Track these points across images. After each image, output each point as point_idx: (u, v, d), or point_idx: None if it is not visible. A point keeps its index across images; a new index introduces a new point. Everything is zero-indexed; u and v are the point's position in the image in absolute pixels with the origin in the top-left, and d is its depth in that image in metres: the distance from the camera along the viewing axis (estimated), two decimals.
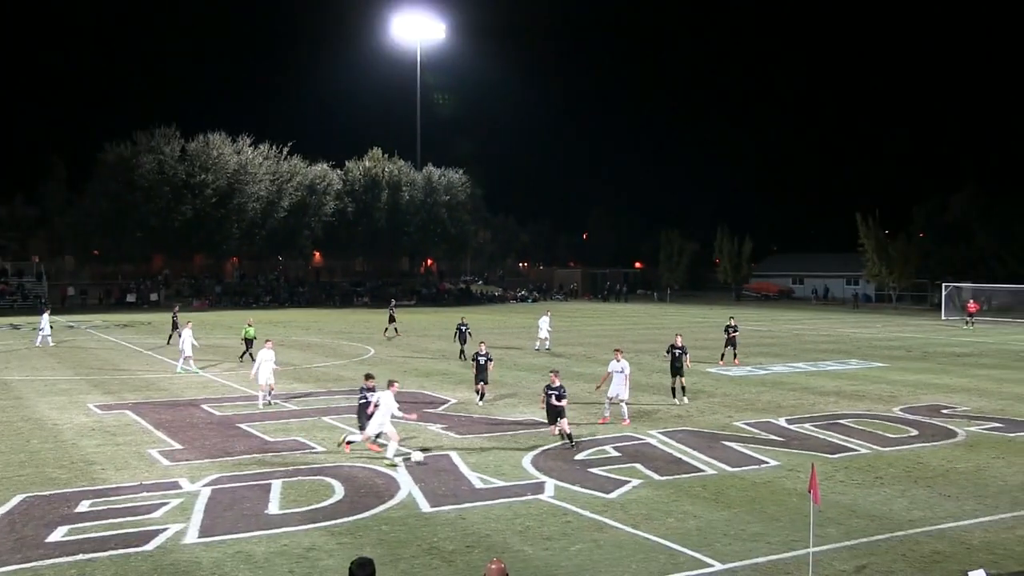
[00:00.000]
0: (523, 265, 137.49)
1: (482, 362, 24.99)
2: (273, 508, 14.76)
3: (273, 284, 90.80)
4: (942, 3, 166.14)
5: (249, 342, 35.46)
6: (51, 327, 43.78)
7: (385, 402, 18.30)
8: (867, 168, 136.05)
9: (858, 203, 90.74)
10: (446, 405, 25.33)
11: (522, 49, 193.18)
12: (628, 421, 22.38)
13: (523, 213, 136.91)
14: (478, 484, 16.40)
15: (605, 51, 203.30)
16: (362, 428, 19.08)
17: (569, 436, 19.33)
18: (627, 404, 22.72)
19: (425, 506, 14.93)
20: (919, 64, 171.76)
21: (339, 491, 15.75)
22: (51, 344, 42.21)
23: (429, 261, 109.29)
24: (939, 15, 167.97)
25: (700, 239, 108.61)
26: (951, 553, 12.78)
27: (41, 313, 46.15)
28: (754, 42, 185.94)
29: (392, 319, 48.51)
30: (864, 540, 13.30)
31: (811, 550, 11.73)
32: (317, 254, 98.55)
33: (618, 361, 22.69)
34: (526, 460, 18.21)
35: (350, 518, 14.19)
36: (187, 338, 33.23)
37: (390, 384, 18.88)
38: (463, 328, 36.96)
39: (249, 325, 36.35)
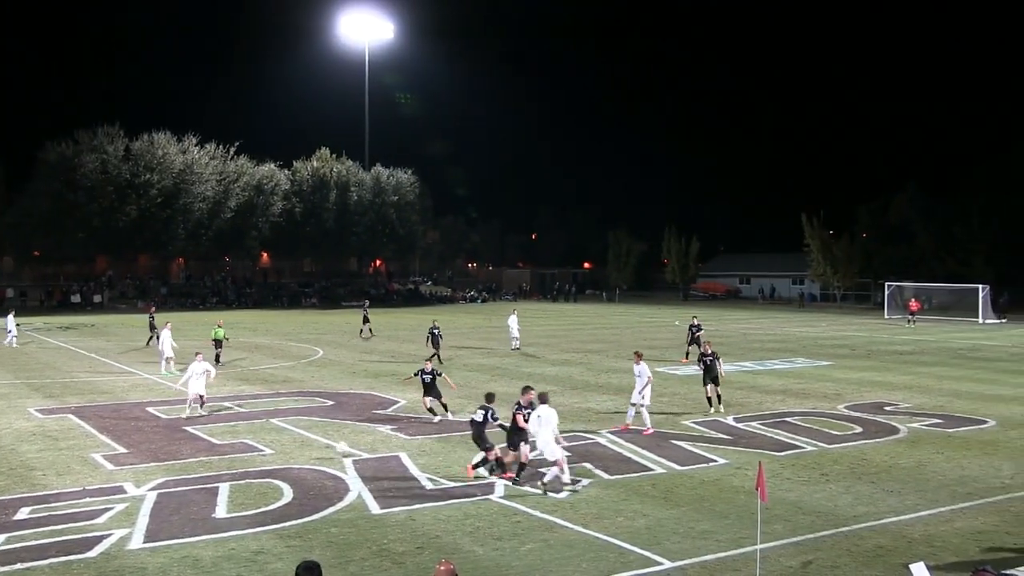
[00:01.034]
0: (472, 265, 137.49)
1: (427, 380, 22.42)
2: (221, 512, 14.59)
3: (220, 285, 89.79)
4: (884, 6, 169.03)
5: (219, 343, 35.12)
6: (12, 328, 42.98)
7: (547, 418, 16.08)
8: (812, 169, 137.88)
9: (803, 204, 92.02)
10: (396, 406, 25.23)
11: (471, 49, 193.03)
12: (651, 429, 21.31)
13: (472, 213, 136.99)
14: (428, 485, 16.36)
15: (554, 51, 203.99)
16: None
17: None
18: (644, 407, 21.70)
19: (375, 508, 14.85)
20: (862, 65, 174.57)
21: (288, 493, 15.61)
22: (16, 346, 41.56)
23: (378, 262, 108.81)
24: (882, 18, 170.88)
25: (648, 239, 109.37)
26: (893, 547, 13.01)
27: (5, 315, 45.25)
28: (701, 42, 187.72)
29: (366, 319, 48.60)
30: (810, 536, 13.48)
31: (759, 547, 11.86)
32: (265, 255, 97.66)
33: (637, 364, 22.19)
34: (476, 460, 18.15)
35: (299, 521, 14.07)
36: (166, 339, 32.57)
37: (540, 397, 16.63)
38: (435, 331, 36.36)
39: (219, 326, 35.86)
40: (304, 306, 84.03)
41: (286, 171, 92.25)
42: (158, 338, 41.64)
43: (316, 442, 20.06)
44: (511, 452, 16.95)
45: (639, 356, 22.73)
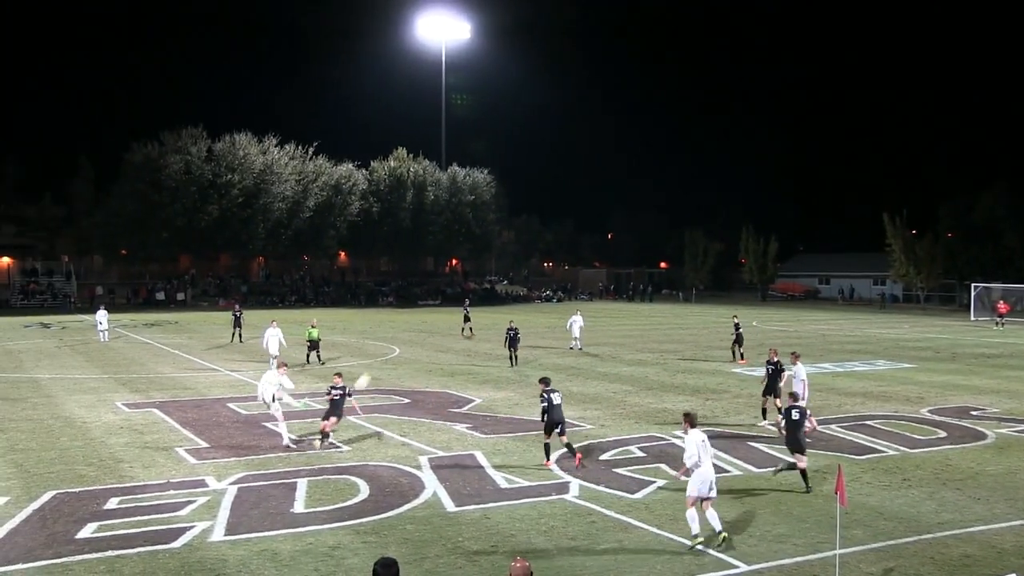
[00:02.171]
0: (547, 265, 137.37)
1: (336, 396, 19.39)
2: (298, 507, 14.83)
3: (298, 284, 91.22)
4: (973, 3, 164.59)
5: (314, 343, 34.86)
6: (104, 323, 44.31)
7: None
8: (894, 167, 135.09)
9: (885, 202, 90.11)
10: (471, 405, 25.35)
11: (546, 48, 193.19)
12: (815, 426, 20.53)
13: (546, 213, 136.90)
14: (503, 484, 16.41)
15: (629, 49, 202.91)
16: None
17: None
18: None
19: (450, 505, 14.95)
20: (945, 60, 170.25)
21: (364, 490, 15.80)
22: (107, 340, 42.92)
23: (454, 261, 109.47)
24: (966, 10, 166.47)
25: (725, 239, 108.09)
26: (981, 557, 12.65)
27: (96, 311, 46.54)
28: (779, 39, 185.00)
29: (467, 318, 49.01)
30: (891, 542, 13.20)
31: (837, 552, 11.66)
32: (342, 254, 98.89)
33: (794, 365, 21.58)
34: (551, 460, 18.18)
35: (375, 517, 14.23)
36: (274, 337, 32.41)
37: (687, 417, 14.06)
38: (512, 332, 35.07)
39: (313, 326, 35.35)
40: (380, 305, 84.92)
41: (363, 171, 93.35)
42: (240, 336, 42.52)
43: (392, 440, 20.26)
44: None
45: (795, 357, 22.11)
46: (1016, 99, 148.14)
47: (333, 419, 19.23)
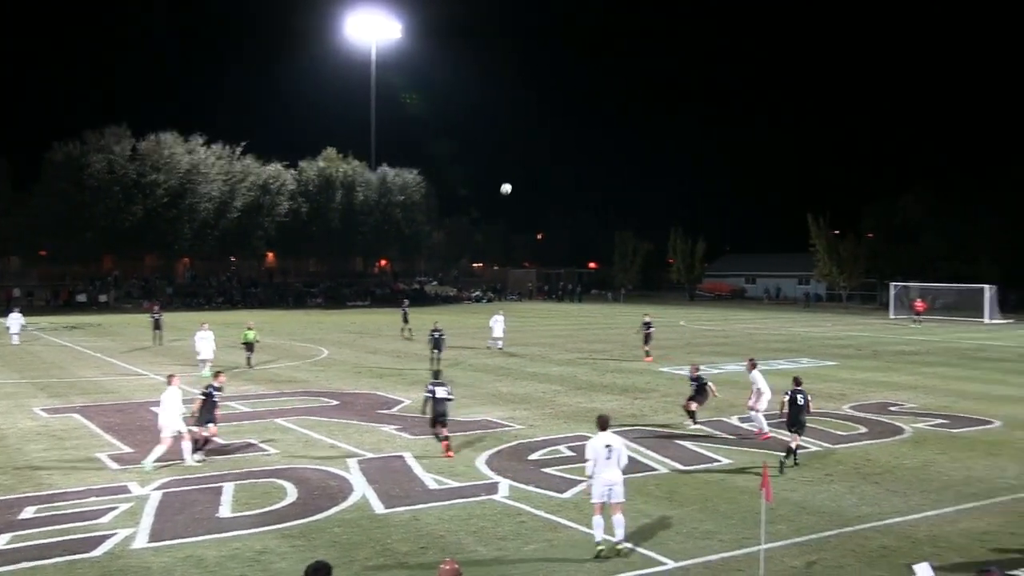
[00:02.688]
0: (478, 265, 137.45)
1: (212, 398, 18.74)
2: (225, 511, 14.62)
3: (225, 285, 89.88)
4: (893, 5, 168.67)
5: (249, 345, 33.96)
6: (16, 326, 43.10)
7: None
8: (818, 169, 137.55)
9: (809, 204, 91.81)
10: (400, 406, 25.24)
11: (478, 49, 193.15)
12: (767, 434, 20.58)
13: (478, 213, 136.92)
14: (432, 485, 16.37)
15: (561, 51, 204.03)
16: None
17: None
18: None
19: (379, 507, 14.87)
20: (869, 65, 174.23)
21: (292, 493, 15.64)
22: (16, 343, 41.84)
23: (383, 261, 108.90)
24: (890, 17, 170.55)
25: (654, 239, 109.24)
26: (898, 547, 13.00)
27: (7, 313, 45.25)
28: (707, 42, 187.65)
29: (406, 319, 48.67)
30: (814, 536, 13.48)
31: (762, 547, 11.86)
32: (270, 254, 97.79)
33: (751, 372, 21.56)
34: (480, 460, 18.22)
35: (303, 520, 14.09)
36: (206, 340, 31.60)
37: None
38: (436, 334, 34.54)
39: (249, 328, 34.46)
40: (309, 306, 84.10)
41: (292, 171, 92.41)
42: (161, 338, 41.81)
43: (320, 442, 20.09)
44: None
45: (752, 364, 22.01)
46: (937, 103, 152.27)
47: (212, 426, 18.40)
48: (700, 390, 22.33)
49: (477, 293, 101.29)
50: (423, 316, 62.18)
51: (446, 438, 18.93)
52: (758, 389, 20.98)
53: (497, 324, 41.08)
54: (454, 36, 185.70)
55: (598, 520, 12.63)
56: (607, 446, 12.81)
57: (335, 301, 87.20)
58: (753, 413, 21.07)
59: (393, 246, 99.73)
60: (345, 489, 15.97)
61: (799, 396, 17.95)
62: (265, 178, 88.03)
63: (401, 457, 18.56)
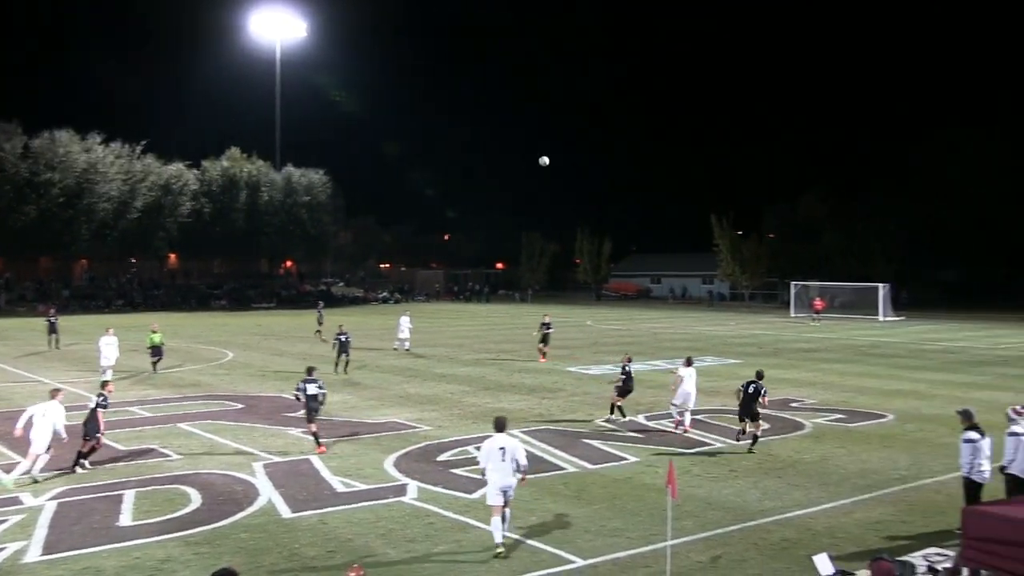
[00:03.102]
0: (385, 266, 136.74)
1: (101, 408, 17.98)
2: (125, 520, 14.23)
3: (126, 287, 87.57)
4: (792, 8, 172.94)
5: (156, 349, 32.80)
6: None
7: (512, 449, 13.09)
8: (721, 170, 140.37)
9: (713, 205, 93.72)
10: None
11: (387, 49, 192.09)
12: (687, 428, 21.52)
13: (385, 214, 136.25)
14: (340, 488, 16.22)
15: (469, 51, 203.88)
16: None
17: None
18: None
19: (286, 512, 14.67)
20: (770, 66, 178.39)
21: (196, 499, 15.32)
22: None
23: (289, 263, 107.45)
24: (791, 17, 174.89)
25: (561, 240, 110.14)
26: (798, 539, 13.36)
27: None
28: (610, 45, 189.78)
29: (321, 321, 47.97)
30: (719, 531, 13.75)
31: (669, 543, 12.04)
32: (173, 256, 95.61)
33: (686, 367, 22.23)
34: (388, 462, 18.12)
35: (207, 527, 13.81)
36: (109, 346, 30.36)
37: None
38: (343, 338, 33.42)
39: (154, 331, 33.32)
40: (213, 308, 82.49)
41: (195, 171, 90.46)
42: (57, 342, 40.48)
43: (225, 446, 19.72)
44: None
45: (688, 362, 22.80)
46: (835, 105, 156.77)
47: (100, 436, 17.73)
48: (628, 380, 22.91)
49: (384, 294, 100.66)
50: (330, 317, 61.51)
51: (315, 433, 19.31)
52: (683, 386, 21.74)
53: (404, 325, 40.84)
54: (363, 35, 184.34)
55: (496, 522, 12.69)
56: (501, 448, 12.85)
57: (240, 303, 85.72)
58: (672, 406, 22.01)
59: (299, 247, 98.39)
60: (251, 494, 15.71)
61: (751, 387, 19.59)
62: (167, 178, 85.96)
63: (308, 460, 18.34)
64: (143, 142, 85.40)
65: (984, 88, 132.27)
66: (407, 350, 40.27)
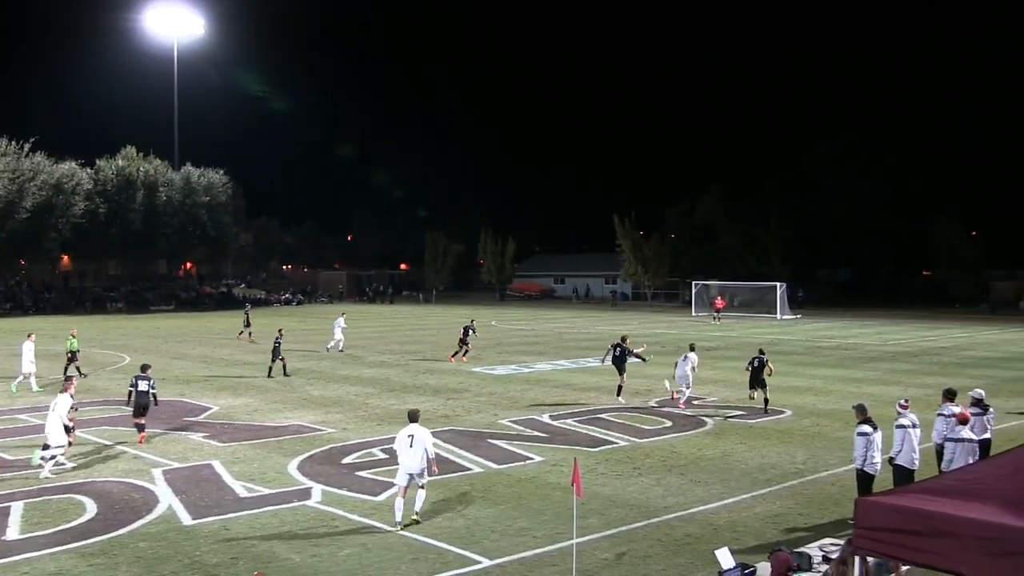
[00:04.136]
0: (287, 267, 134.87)
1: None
2: (13, 533, 13.68)
3: (15, 290, 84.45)
4: (694, 14, 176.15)
5: (75, 355, 31.78)
6: None
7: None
8: (623, 171, 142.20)
9: (615, 205, 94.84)
10: (208, 412, 24.44)
11: (286, 47, 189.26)
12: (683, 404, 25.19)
13: (288, 214, 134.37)
14: (243, 493, 15.93)
15: (370, 52, 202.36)
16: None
17: None
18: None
19: (187, 519, 14.34)
20: (668, 70, 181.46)
21: (91, 509, 14.85)
22: None
23: (189, 264, 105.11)
24: (692, 24, 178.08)
25: (465, 240, 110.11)
26: (700, 534, 13.62)
27: None
28: (514, 42, 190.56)
29: (248, 323, 47.51)
30: (624, 528, 13.92)
31: (574, 541, 12.13)
32: (65, 257, 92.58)
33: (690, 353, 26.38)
34: (292, 466, 17.88)
35: (103, 537, 13.40)
36: (27, 352, 28.92)
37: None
38: (277, 342, 32.77)
39: (73, 336, 32.50)
40: (110, 311, 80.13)
41: (88, 170, 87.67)
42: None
43: (123, 453, 19.19)
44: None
45: (691, 348, 27.31)
46: (731, 108, 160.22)
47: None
48: (621, 358, 26.59)
49: (287, 296, 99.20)
50: (232, 320, 60.45)
51: (143, 428, 20.13)
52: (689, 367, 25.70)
53: (338, 326, 41.21)
54: (262, 33, 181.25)
55: (399, 502, 13.83)
56: (410, 435, 14.00)
57: (137, 305, 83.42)
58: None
59: (199, 248, 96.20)
60: (150, 501, 15.32)
61: (756, 361, 24.94)
62: (58, 177, 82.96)
63: (210, 465, 17.97)
64: (32, 139, 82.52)
65: (867, 96, 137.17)
66: (340, 351, 40.06)
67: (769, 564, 10.99)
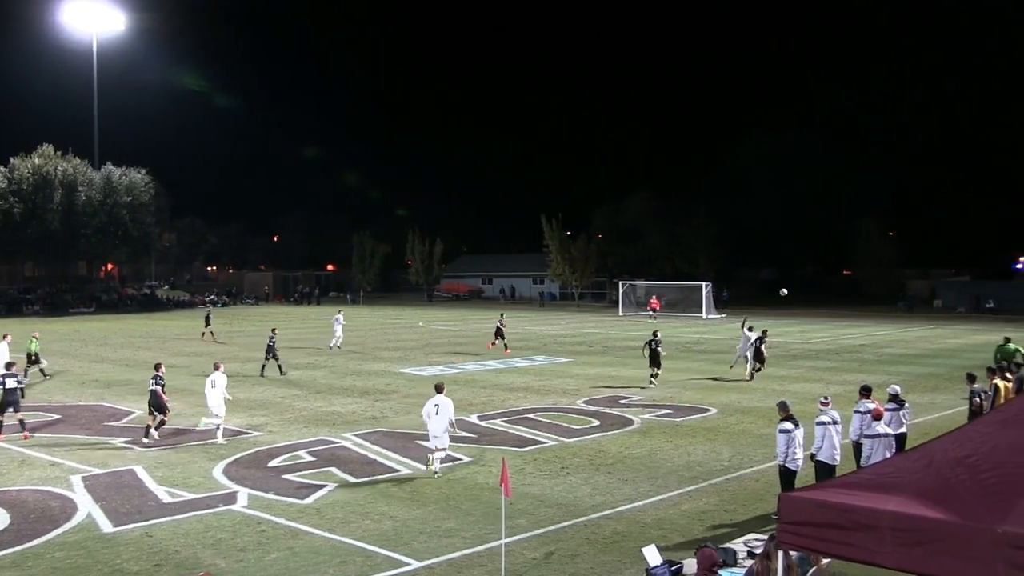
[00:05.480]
0: (212, 269, 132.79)
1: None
2: None
3: None
4: (617, 11, 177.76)
5: (35, 357, 31.34)
6: None
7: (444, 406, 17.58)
8: (550, 172, 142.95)
9: (543, 206, 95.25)
10: (130, 417, 23.95)
11: (212, 45, 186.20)
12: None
13: (213, 215, 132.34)
14: (166, 498, 15.64)
15: (293, 49, 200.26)
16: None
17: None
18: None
19: (107, 526, 14.02)
20: (594, 70, 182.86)
21: (4, 519, 14.42)
22: None
23: (110, 265, 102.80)
24: (616, 23, 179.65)
25: (392, 241, 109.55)
26: (628, 532, 13.74)
27: None
28: (442, 46, 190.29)
29: (208, 322, 48.70)
30: (552, 528, 13.98)
31: (503, 541, 12.16)
32: None
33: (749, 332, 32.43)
34: (217, 470, 17.61)
35: (17, 548, 13.01)
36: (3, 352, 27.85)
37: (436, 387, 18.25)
38: (273, 342, 33.52)
39: (35, 338, 32.11)
40: (26, 314, 77.97)
41: (2, 168, 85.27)
42: None
43: (39, 460, 18.68)
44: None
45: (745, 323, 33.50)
46: (659, 107, 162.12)
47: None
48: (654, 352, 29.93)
49: (212, 297, 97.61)
50: (154, 322, 59.35)
51: (23, 425, 20.85)
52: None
53: (338, 323, 43.54)
54: (185, 31, 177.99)
55: (433, 456, 17.24)
56: (436, 405, 17.16)
57: (56, 308, 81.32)
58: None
59: (120, 249, 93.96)
60: (68, 509, 14.94)
61: (759, 343, 31.66)
62: None
63: (132, 471, 17.60)
64: None
65: (791, 99, 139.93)
66: (338, 348, 41.80)
67: (695, 560, 11.14)
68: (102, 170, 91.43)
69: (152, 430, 20.61)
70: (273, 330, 34.66)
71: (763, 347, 31.99)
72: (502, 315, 45.27)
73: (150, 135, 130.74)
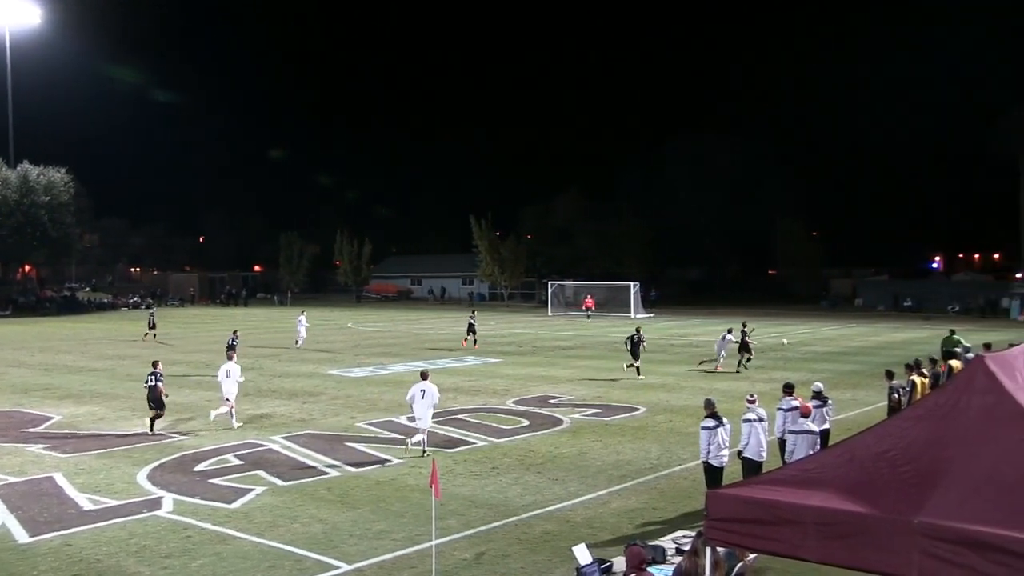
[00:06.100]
0: (135, 270, 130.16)
1: None
2: None
3: None
4: (547, 9, 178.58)
5: None
6: None
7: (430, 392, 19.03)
8: (480, 172, 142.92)
9: (472, 206, 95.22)
10: (49, 422, 23.33)
11: (134, 41, 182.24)
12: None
13: (137, 215, 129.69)
14: (87, 506, 15.27)
15: (226, 45, 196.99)
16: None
17: None
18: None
19: (23, 536, 13.63)
20: (520, 70, 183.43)
21: None
22: None
23: (27, 267, 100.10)
24: (544, 22, 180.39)
25: (320, 241, 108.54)
26: (558, 532, 13.80)
27: None
28: (375, 45, 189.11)
29: (153, 325, 48.82)
30: (483, 528, 13.98)
31: (433, 543, 12.13)
32: None
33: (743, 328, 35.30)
34: (141, 475, 17.26)
35: None
36: None
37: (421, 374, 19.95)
38: (233, 341, 33.50)
39: None
40: None
41: None
42: None
43: None
44: None
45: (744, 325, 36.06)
46: (587, 107, 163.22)
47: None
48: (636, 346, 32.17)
49: (135, 299, 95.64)
50: (76, 325, 57.98)
51: None
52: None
53: (301, 325, 44.43)
54: (108, 26, 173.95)
55: (419, 437, 19.03)
56: (422, 390, 18.69)
57: None
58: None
59: (39, 250, 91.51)
60: None
61: (743, 335, 34.72)
62: None
63: (51, 478, 17.15)
64: None
65: (718, 100, 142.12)
66: (298, 347, 42.75)
67: (624, 558, 11.22)
68: (18, 169, 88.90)
69: (152, 423, 21.54)
70: (235, 332, 35.18)
71: (748, 339, 34.92)
72: (473, 312, 46.82)
73: (70, 134, 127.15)
